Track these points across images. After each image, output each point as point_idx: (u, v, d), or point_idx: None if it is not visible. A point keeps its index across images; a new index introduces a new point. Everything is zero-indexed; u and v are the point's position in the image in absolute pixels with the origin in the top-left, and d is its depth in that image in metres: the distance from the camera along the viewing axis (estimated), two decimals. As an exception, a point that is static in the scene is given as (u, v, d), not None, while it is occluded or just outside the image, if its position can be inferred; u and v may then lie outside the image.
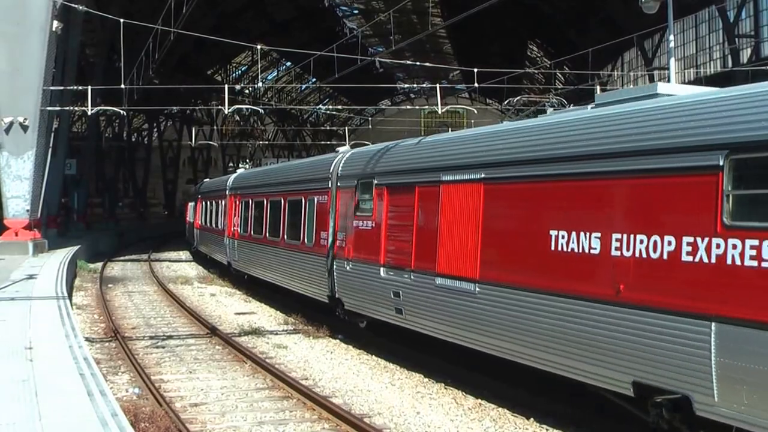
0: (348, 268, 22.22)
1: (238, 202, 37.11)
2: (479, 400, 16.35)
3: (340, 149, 26.13)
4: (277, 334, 24.95)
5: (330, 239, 23.58)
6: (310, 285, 25.60)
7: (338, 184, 23.56)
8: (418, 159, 19.39)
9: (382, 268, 20.14)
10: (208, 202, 47.38)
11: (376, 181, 21.00)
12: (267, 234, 31.19)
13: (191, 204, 60.94)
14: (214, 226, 44.29)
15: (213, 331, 24.73)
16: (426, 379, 18.43)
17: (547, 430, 14.43)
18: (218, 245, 41.81)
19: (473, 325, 16.14)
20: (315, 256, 24.91)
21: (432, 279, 17.63)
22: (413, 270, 18.50)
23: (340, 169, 23.69)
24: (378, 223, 20.67)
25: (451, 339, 17.26)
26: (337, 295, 23.08)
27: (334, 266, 22.99)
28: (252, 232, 33.89)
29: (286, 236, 28.69)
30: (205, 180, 63.88)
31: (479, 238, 16.09)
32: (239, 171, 45.49)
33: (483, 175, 16.17)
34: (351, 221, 22.29)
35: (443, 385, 17.80)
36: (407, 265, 18.79)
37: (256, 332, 24.69)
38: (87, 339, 21.37)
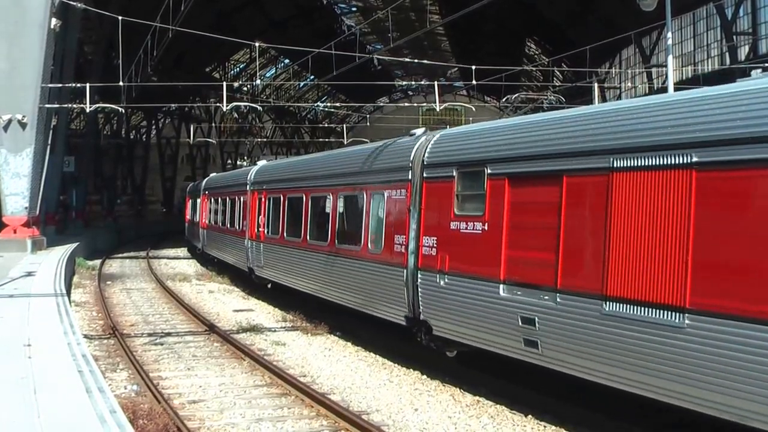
0: (442, 283, 17.21)
1: (264, 199, 31.77)
2: (477, 397, 16.38)
3: (416, 131, 20.79)
4: (275, 331, 24.97)
5: (411, 245, 18.63)
6: (376, 301, 20.55)
7: (424, 174, 18.47)
8: (567, 138, 14.35)
9: (502, 286, 15.40)
10: (220, 199, 42.41)
11: (489, 171, 16.19)
12: (307, 236, 26.10)
13: (194, 200, 56.36)
14: (229, 226, 38.98)
15: (211, 329, 24.74)
16: (424, 376, 18.45)
17: (545, 427, 14.46)
18: (236, 248, 36.46)
19: (677, 373, 11.68)
20: (385, 266, 19.88)
21: (596, 303, 13.05)
22: (560, 290, 13.90)
23: (426, 155, 18.57)
24: (495, 225, 15.89)
25: (637, 390, 12.59)
26: (421, 317, 18.16)
27: (419, 280, 18.11)
28: (284, 234, 28.67)
29: (336, 240, 23.54)
30: (212, 174, 57.15)
31: (689, 247, 11.58)
32: (261, 163, 38.47)
33: (697, 159, 11.58)
34: (447, 222, 17.31)
35: (441, 382, 17.82)
36: (548, 283, 14.20)
37: (255, 329, 24.71)
38: (85, 336, 21.37)
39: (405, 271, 18.80)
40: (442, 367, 18.65)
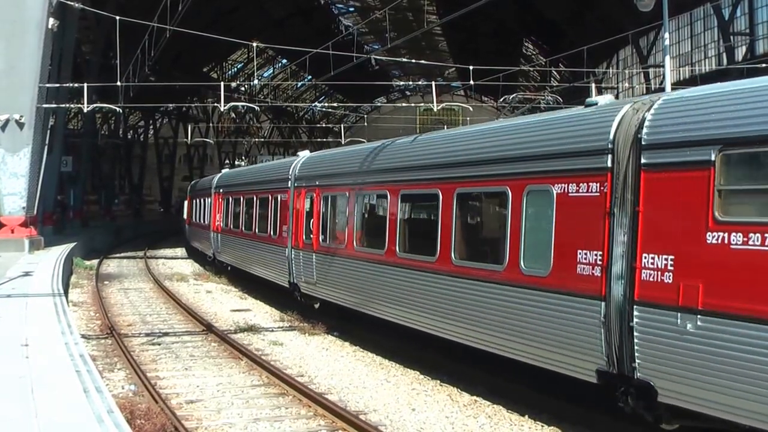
0: (689, 326, 11.33)
1: (316, 198, 25.61)
2: (474, 397, 16.39)
3: (602, 98, 15.16)
4: (272, 331, 24.98)
5: (616, 267, 12.75)
6: (542, 346, 14.32)
7: (642, 159, 12.41)
8: None
9: None
10: (244, 198, 35.74)
11: None
12: (396, 248, 19.72)
13: (199, 200, 50.05)
14: (257, 231, 32.58)
15: (209, 328, 24.74)
16: (421, 376, 18.47)
17: (542, 426, 14.47)
18: (270, 259, 30.39)
19: None
20: (557, 295, 13.90)
21: None
22: None
23: (646, 130, 12.46)
24: None
25: None
26: (638, 375, 12.29)
27: (635, 319, 12.21)
28: (356, 244, 22.28)
29: (454, 254, 17.23)
30: (225, 170, 49.99)
31: None
32: (305, 153, 30.13)
33: None
34: (698, 233, 11.42)
35: (439, 382, 17.84)
36: None
37: (252, 329, 24.72)
38: (83, 336, 21.36)
39: (602, 304, 12.85)
40: (440, 367, 18.67)
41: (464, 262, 16.83)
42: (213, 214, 43.14)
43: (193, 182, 65.32)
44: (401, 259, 19.40)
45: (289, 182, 28.36)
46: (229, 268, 39.62)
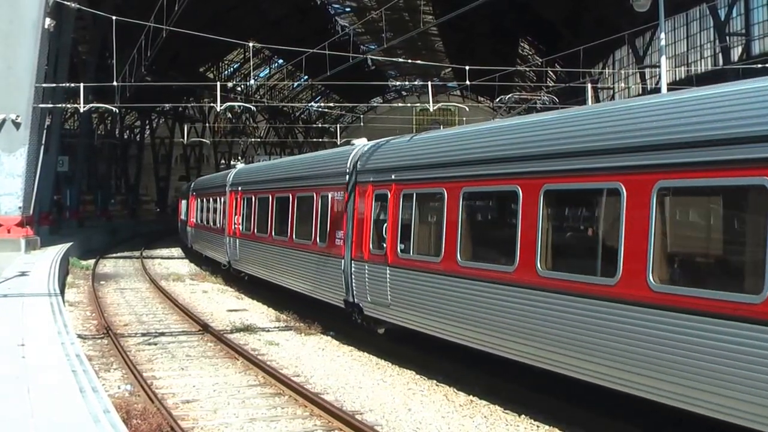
0: None
1: (396, 197, 20.02)
2: (471, 397, 16.40)
3: None
4: (269, 331, 24.98)
5: None
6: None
7: None
8: None
9: None
10: (273, 198, 30.46)
11: None
12: (537, 264, 14.45)
13: (203, 200, 46.20)
14: (296, 237, 27.31)
15: (205, 328, 24.74)
16: (417, 376, 18.48)
17: (538, 426, 14.49)
18: (319, 271, 24.80)
19: None
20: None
21: None
22: None
23: None
24: None
25: None
26: None
27: None
28: (461, 257, 16.97)
29: (654, 275, 11.98)
30: (240, 166, 43.42)
31: None
32: (361, 142, 24.78)
33: None
34: None
35: (435, 382, 17.84)
36: None
37: (248, 329, 24.71)
38: (79, 336, 21.37)
39: None
40: (436, 368, 18.67)
41: (674, 286, 11.86)
42: (228, 216, 37.58)
43: (197, 179, 59.79)
44: (542, 279, 14.25)
45: (347, 177, 22.84)
46: (246, 277, 34.88)
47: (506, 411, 15.36)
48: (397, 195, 19.86)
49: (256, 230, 32.57)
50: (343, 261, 22.41)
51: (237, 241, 35.54)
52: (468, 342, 16.59)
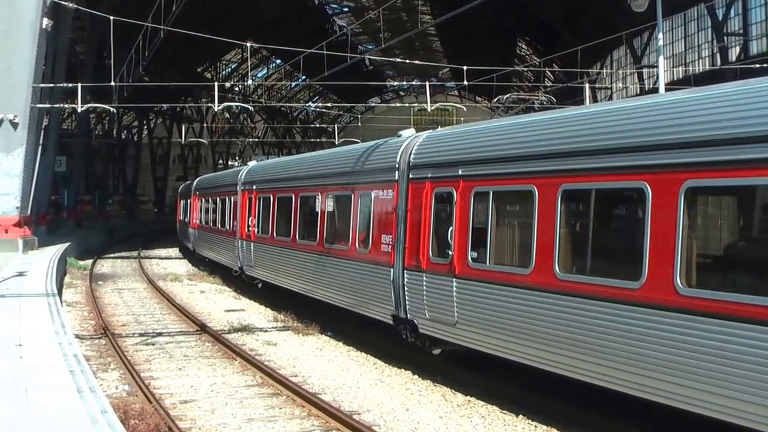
0: None
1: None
2: (468, 397, 16.40)
3: None
4: (266, 331, 24.97)
5: None
6: None
7: None
8: None
9: None
10: (307, 198, 26.67)
11: None
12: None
13: (218, 200, 40.76)
14: (359, 246, 21.94)
15: (203, 329, 24.73)
16: (415, 377, 18.48)
17: (536, 427, 14.49)
18: (369, 284, 20.99)
19: None
20: None
21: None
22: None
23: None
24: None
25: None
26: None
27: None
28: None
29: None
30: (255, 163, 38.93)
31: None
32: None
33: None
34: None
35: (432, 382, 17.85)
36: None
37: (246, 329, 24.70)
38: (77, 336, 21.37)
39: None
40: (433, 368, 18.68)
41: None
42: (241, 217, 34.50)
43: (200, 178, 55.50)
44: (690, 299, 11.57)
45: (396, 173, 19.87)
46: (259, 285, 32.48)
47: (504, 411, 15.36)
48: (465, 193, 16.85)
49: (275, 233, 29.46)
50: (391, 270, 19.38)
51: (251, 245, 32.32)
52: (573, 373, 13.75)
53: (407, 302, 18.73)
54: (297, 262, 26.72)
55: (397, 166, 19.79)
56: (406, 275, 18.79)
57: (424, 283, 17.98)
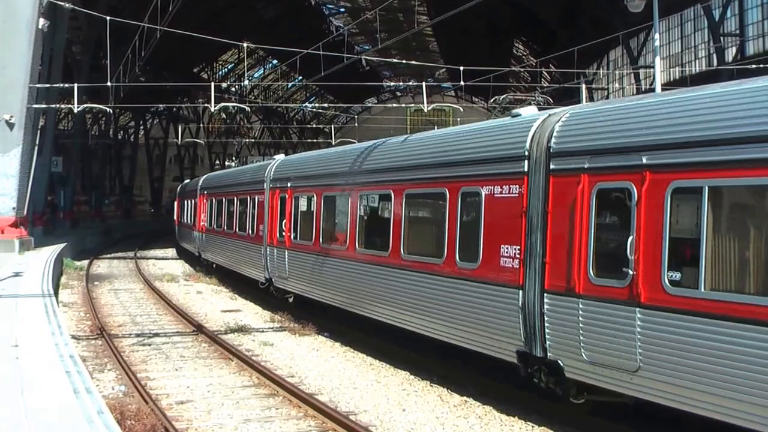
0: None
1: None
2: (465, 398, 16.40)
3: None
4: (263, 331, 24.96)
5: None
6: None
7: None
8: None
9: None
10: (370, 197, 22.38)
11: None
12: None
13: (236, 201, 36.09)
14: (442, 256, 17.65)
15: (199, 329, 24.71)
16: (412, 377, 18.48)
17: (532, 426, 14.49)
18: (488, 310, 16.22)
19: None
20: None
21: None
22: None
23: None
24: None
25: None
26: None
27: None
28: None
29: None
30: (279, 158, 32.90)
31: None
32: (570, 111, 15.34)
33: None
34: None
35: (429, 382, 17.84)
36: None
37: (242, 330, 24.69)
38: (73, 337, 21.37)
39: None
40: (430, 368, 18.67)
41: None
42: (271, 220, 29.46)
43: (207, 176, 50.73)
44: None
45: (524, 162, 15.12)
46: (291, 298, 28.20)
47: (500, 411, 15.36)
48: (656, 190, 12.36)
49: (321, 240, 24.57)
50: (519, 293, 14.87)
51: (285, 253, 27.46)
52: None
53: (547, 336, 14.18)
54: (354, 276, 21.90)
55: (526, 153, 15.06)
56: (547, 300, 14.18)
57: (580, 312, 13.44)
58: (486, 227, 16.06)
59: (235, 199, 36.07)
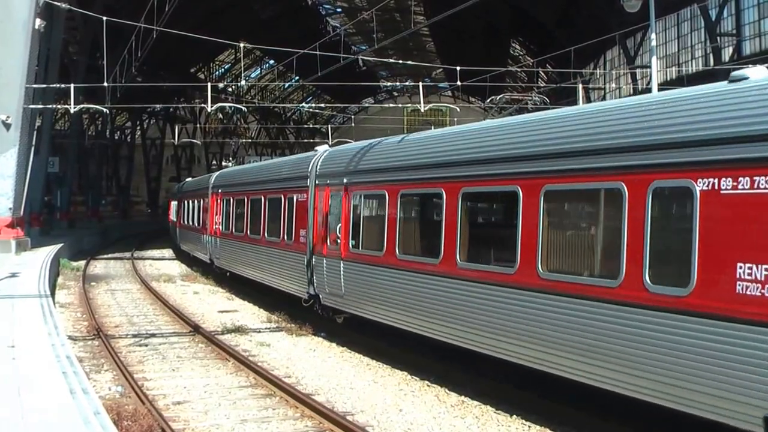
0: None
1: None
2: (462, 397, 16.39)
3: None
4: (260, 332, 24.93)
5: None
6: None
7: None
8: None
9: None
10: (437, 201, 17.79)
11: None
12: None
13: (266, 201, 30.34)
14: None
15: (196, 329, 24.68)
16: (409, 377, 18.45)
17: (529, 427, 14.48)
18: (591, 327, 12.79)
19: None
20: None
21: None
22: None
23: None
24: None
25: None
26: None
27: None
28: None
29: None
30: (327, 149, 26.00)
31: None
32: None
33: None
34: None
35: (426, 382, 17.82)
36: None
37: (239, 330, 24.65)
38: (70, 337, 21.34)
39: None
40: (427, 368, 18.66)
41: None
42: (316, 225, 24.21)
43: (222, 172, 44.56)
44: None
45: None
46: (339, 319, 23.54)
47: (498, 411, 15.35)
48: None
49: (398, 250, 19.09)
50: None
51: (340, 265, 22.06)
52: None
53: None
54: (459, 298, 16.40)
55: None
56: None
57: None
58: (713, 241, 10.92)
59: (264, 198, 30.48)
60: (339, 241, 22.20)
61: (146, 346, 22.56)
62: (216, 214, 39.00)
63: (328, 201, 23.42)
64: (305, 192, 25.42)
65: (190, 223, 47.45)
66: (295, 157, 31.11)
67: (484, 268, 15.81)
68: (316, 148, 27.48)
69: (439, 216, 17.42)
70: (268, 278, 29.58)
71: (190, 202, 48.46)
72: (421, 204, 19.40)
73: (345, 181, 22.32)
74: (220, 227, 37.67)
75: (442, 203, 17.16)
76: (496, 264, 15.72)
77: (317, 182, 24.50)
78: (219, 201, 38.59)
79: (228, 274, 36.92)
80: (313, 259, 24.05)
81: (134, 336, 24.19)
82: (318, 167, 24.70)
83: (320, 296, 23.65)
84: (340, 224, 22.25)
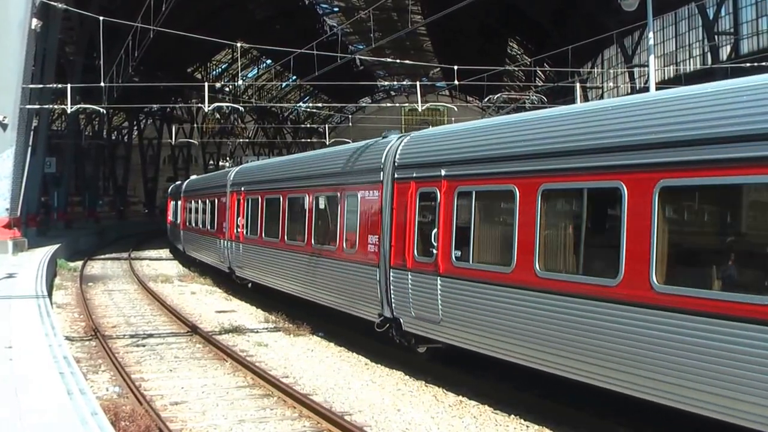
0: None
1: None
2: (460, 397, 16.36)
3: None
4: (257, 332, 24.89)
5: None
6: None
7: None
8: None
9: None
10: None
11: None
12: None
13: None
14: None
15: (193, 330, 24.64)
16: (406, 377, 18.42)
17: (527, 426, 14.46)
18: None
19: None
20: None
21: None
22: None
23: None
24: None
25: None
26: None
27: None
28: None
29: None
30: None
31: None
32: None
33: None
34: None
35: (424, 382, 17.79)
36: None
37: (237, 330, 24.62)
38: (67, 338, 21.31)
39: None
40: (425, 368, 18.62)
41: None
42: (395, 231, 19.07)
43: (242, 167, 39.06)
44: None
45: None
46: (422, 349, 19.11)
47: (496, 411, 15.32)
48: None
49: (538, 265, 14.16)
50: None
51: (437, 282, 17.22)
52: None
53: None
54: (570, 321, 13.20)
55: None
56: None
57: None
58: None
59: (309, 197, 25.33)
60: (434, 251, 17.34)
61: (144, 346, 22.52)
62: (237, 216, 33.68)
63: (414, 200, 18.53)
64: (375, 188, 20.39)
65: (200, 225, 42.78)
66: (353, 146, 24.20)
67: (693, 294, 11.08)
68: (384, 134, 22.05)
69: (614, 221, 12.69)
70: (314, 293, 24.47)
71: (199, 202, 43.67)
72: (578, 204, 14.01)
73: (443, 173, 17.28)
74: (244, 231, 32.48)
75: (622, 203, 12.26)
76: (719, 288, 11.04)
77: (396, 176, 19.38)
78: (242, 201, 33.26)
79: (250, 285, 32.56)
80: (391, 274, 19.11)
81: (132, 336, 24.15)
82: (397, 157, 19.47)
83: (401, 320, 18.77)
84: (435, 229, 17.40)
